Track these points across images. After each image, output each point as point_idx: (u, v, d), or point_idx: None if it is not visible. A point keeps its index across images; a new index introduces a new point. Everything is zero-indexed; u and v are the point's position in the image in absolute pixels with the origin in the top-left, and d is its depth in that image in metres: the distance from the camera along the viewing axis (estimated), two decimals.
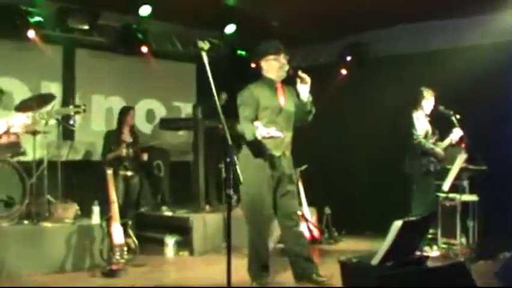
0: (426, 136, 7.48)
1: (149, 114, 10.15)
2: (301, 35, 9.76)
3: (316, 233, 8.46)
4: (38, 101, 7.05)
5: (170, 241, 7.56)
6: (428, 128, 7.55)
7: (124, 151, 7.62)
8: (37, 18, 8.03)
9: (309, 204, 8.58)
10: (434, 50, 8.88)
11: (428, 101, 7.54)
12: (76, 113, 6.27)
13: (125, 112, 8.09)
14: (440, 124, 7.64)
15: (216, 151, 8.40)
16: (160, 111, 10.24)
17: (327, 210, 8.86)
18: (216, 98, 4.14)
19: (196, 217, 7.80)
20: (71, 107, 6.25)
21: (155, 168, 8.79)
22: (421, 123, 7.48)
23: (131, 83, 9.84)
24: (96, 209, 6.90)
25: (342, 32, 9.69)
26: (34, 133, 7.22)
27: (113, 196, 6.52)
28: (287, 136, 5.39)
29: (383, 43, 9.44)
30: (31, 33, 7.94)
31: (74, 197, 7.49)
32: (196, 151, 8.45)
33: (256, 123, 5.09)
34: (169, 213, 8.22)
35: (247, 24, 9.41)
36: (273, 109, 5.32)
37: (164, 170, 8.86)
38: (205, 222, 7.80)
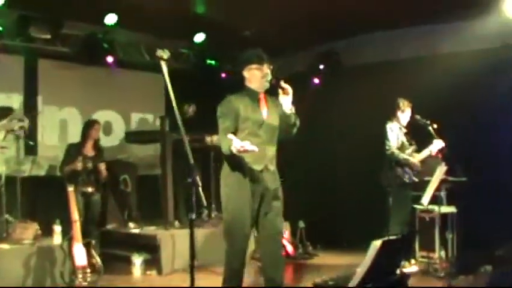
0: (401, 147, 7.27)
1: (111, 126, 9.78)
2: (274, 44, 9.47)
3: (290, 248, 8.17)
4: None
5: (137, 260, 7.20)
6: (403, 139, 7.34)
7: (79, 165, 7.16)
8: None
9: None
10: (411, 57, 8.69)
11: (404, 112, 7.36)
12: (21, 127, 5.88)
13: (89, 125, 7.69)
14: (418, 134, 7.42)
15: (184, 165, 8.01)
16: (125, 124, 9.91)
17: (301, 224, 8.58)
18: (176, 110, 3.82)
19: (164, 234, 7.44)
20: (14, 121, 5.87)
21: (122, 183, 8.42)
22: (395, 134, 7.28)
23: (97, 94, 9.47)
24: (58, 229, 6.52)
25: (315, 40, 9.47)
26: None
27: (75, 215, 6.15)
28: (270, 150, 5.03)
29: (357, 51, 9.22)
30: None
31: (36, 214, 7.14)
32: (164, 165, 8.10)
33: (230, 136, 4.74)
34: (136, 231, 7.86)
35: (217, 33, 9.16)
36: (255, 121, 4.97)
37: (131, 184, 8.49)
38: (174, 240, 7.44)
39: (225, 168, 5.02)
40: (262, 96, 5.08)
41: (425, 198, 6.77)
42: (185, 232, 7.43)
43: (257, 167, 4.95)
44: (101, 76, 9.28)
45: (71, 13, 8.11)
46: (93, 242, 6.32)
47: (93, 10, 8.00)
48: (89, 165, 7.24)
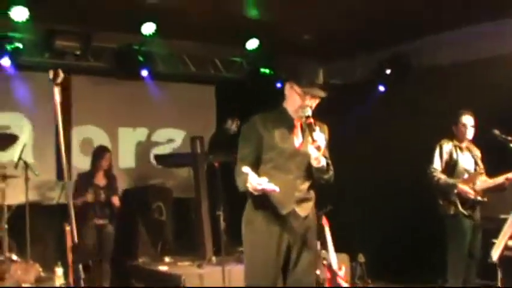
0: (454, 171, 5.96)
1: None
2: (335, 49, 8.47)
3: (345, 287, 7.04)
4: None
5: None
6: (462, 160, 6.01)
7: (89, 196, 6.50)
8: (17, 45, 7.08)
9: (339, 250, 7.17)
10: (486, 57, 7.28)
11: (464, 128, 6.01)
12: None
13: (99, 154, 6.98)
14: (496, 154, 6.05)
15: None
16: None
17: (361, 258, 7.41)
18: None
19: (192, 274, 6.50)
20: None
21: (156, 211, 7.59)
22: (442, 154, 6.01)
23: (139, 111, 8.78)
24: (59, 271, 5.77)
25: (380, 43, 8.28)
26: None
27: (70, 258, 5.36)
28: (301, 188, 4.04)
29: (427, 53, 7.91)
30: (5, 62, 6.96)
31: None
32: (197, 191, 7.20)
33: (245, 169, 3.72)
34: (163, 268, 6.95)
35: (272, 39, 8.17)
36: (283, 151, 4.00)
37: (166, 212, 7.64)
38: (203, 281, 6.51)
39: (248, 207, 4.09)
40: (299, 122, 4.05)
41: (495, 252, 5.17)
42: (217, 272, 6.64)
43: (282, 210, 3.97)
44: (139, 91, 8.54)
45: (103, 24, 7.41)
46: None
47: (127, 20, 7.28)
48: (102, 196, 6.54)
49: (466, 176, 5.96)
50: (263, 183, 3.65)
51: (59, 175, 7.81)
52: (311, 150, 3.81)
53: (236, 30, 7.86)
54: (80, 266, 3.35)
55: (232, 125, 7.69)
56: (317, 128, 3.82)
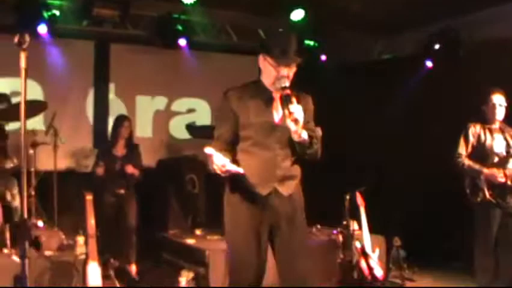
0: (483, 155, 5.43)
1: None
2: (385, 21, 8.05)
3: (379, 271, 6.71)
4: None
5: (182, 279, 6.21)
6: (490, 142, 5.46)
7: (100, 170, 6.39)
8: (55, 12, 7.03)
9: (375, 231, 6.87)
10: None
11: (494, 107, 5.48)
12: None
13: (118, 123, 6.84)
14: None
15: None
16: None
17: (397, 242, 7.06)
18: None
19: (217, 249, 6.35)
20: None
21: (188, 183, 7.45)
22: (467, 137, 5.52)
23: (177, 80, 8.65)
24: (80, 240, 5.69)
25: (430, 18, 7.82)
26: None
27: (92, 228, 5.29)
28: (283, 166, 3.73)
29: (477, 28, 7.42)
30: (42, 29, 6.91)
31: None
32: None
33: (208, 150, 3.44)
34: (191, 241, 6.81)
35: (318, 10, 7.83)
36: (261, 126, 3.70)
37: (198, 185, 7.49)
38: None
39: (227, 188, 3.81)
40: (276, 95, 3.72)
41: None
42: None
43: (262, 190, 3.67)
44: (179, 60, 8.39)
45: None
46: (112, 260, 5.43)
47: None
48: (117, 167, 6.45)
49: (496, 159, 5.45)
50: (226, 164, 3.41)
51: (97, 143, 7.80)
52: (289, 123, 3.50)
53: (281, 0, 7.60)
54: (26, 244, 3.08)
55: None
56: (294, 100, 3.51)
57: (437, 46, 7.81)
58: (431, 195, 7.65)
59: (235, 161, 3.64)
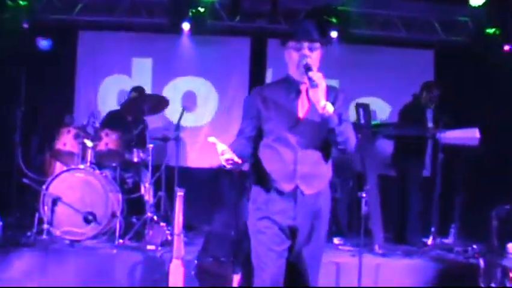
0: None
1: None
2: None
3: None
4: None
5: None
6: None
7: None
8: (200, 9, 7.11)
9: None
10: None
11: None
12: None
13: None
14: None
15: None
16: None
17: None
18: None
19: (325, 262, 5.68)
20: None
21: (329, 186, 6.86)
22: None
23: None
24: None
25: None
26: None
27: (179, 226, 5.12)
28: (306, 162, 3.48)
29: None
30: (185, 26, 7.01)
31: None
32: (363, 166, 6.29)
33: (210, 139, 3.33)
34: None
35: None
36: (283, 120, 3.52)
37: (341, 189, 6.88)
38: (340, 269, 5.68)
39: (251, 182, 3.73)
40: (304, 88, 3.51)
41: None
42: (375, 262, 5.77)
43: (283, 187, 3.47)
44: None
45: None
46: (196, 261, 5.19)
47: None
48: None
49: None
50: (225, 152, 3.24)
51: None
52: (310, 93, 3.35)
53: None
54: None
55: (430, 94, 6.65)
56: (315, 69, 3.35)
57: None
58: None
59: (256, 156, 3.60)
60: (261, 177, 3.55)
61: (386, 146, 7.28)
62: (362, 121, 6.28)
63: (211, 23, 7.32)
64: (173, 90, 7.91)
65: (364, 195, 5.34)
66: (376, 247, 6.17)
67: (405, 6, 7.63)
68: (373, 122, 6.58)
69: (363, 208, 5.33)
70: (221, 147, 3.24)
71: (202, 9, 7.10)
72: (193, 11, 7.05)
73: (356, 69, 7.97)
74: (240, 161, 3.28)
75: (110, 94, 7.99)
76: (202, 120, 8.08)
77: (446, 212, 6.72)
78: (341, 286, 5.44)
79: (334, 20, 7.30)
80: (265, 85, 3.97)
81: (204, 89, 8.05)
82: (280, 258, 3.48)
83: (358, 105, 6.41)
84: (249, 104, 3.66)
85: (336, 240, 6.72)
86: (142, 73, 8.01)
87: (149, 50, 7.99)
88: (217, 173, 7.20)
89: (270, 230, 3.47)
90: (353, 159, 6.83)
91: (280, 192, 3.47)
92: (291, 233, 3.51)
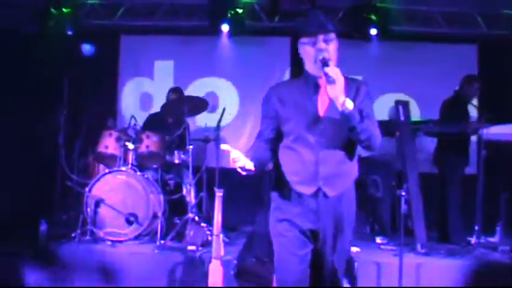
0: None
1: None
2: None
3: None
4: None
5: None
6: None
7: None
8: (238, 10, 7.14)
9: None
10: None
11: None
12: None
13: None
14: None
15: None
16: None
17: None
18: None
19: (369, 260, 5.65)
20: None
21: (371, 185, 6.80)
22: None
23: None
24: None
25: None
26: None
27: (218, 226, 5.14)
28: (329, 162, 3.31)
29: None
30: (225, 28, 7.04)
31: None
32: (403, 164, 6.20)
33: (224, 146, 3.21)
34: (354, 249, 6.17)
35: None
36: (302, 119, 3.36)
37: (383, 188, 6.79)
38: (380, 271, 5.59)
39: (272, 185, 3.54)
40: (322, 82, 3.29)
41: None
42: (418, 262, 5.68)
43: (304, 189, 3.32)
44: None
45: None
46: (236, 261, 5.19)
47: None
48: None
49: None
50: (237, 158, 3.12)
51: None
52: (330, 91, 3.13)
53: None
54: None
55: (471, 87, 6.51)
56: (331, 63, 3.12)
57: None
58: None
59: (276, 158, 3.44)
60: (280, 180, 3.40)
61: (428, 143, 7.22)
62: (402, 118, 6.20)
63: (250, 24, 7.35)
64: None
65: (404, 193, 5.31)
66: (418, 246, 6.06)
67: (445, 1, 7.48)
68: (413, 119, 6.50)
69: (403, 207, 5.29)
70: (234, 154, 3.15)
71: (240, 11, 7.14)
72: (232, 12, 7.10)
73: (396, 66, 7.86)
74: (253, 168, 3.19)
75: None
76: (245, 122, 8.11)
77: (492, 211, 6.59)
78: (381, 286, 5.38)
79: (373, 17, 7.24)
80: (281, 83, 3.79)
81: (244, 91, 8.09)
82: (303, 263, 3.34)
83: (397, 102, 6.34)
84: (265, 105, 3.52)
85: (378, 240, 6.63)
86: (184, 75, 8.12)
87: (189, 52, 8.04)
88: (258, 173, 7.24)
89: (290, 233, 3.34)
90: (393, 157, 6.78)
91: (300, 195, 3.34)
92: (313, 236, 3.34)
